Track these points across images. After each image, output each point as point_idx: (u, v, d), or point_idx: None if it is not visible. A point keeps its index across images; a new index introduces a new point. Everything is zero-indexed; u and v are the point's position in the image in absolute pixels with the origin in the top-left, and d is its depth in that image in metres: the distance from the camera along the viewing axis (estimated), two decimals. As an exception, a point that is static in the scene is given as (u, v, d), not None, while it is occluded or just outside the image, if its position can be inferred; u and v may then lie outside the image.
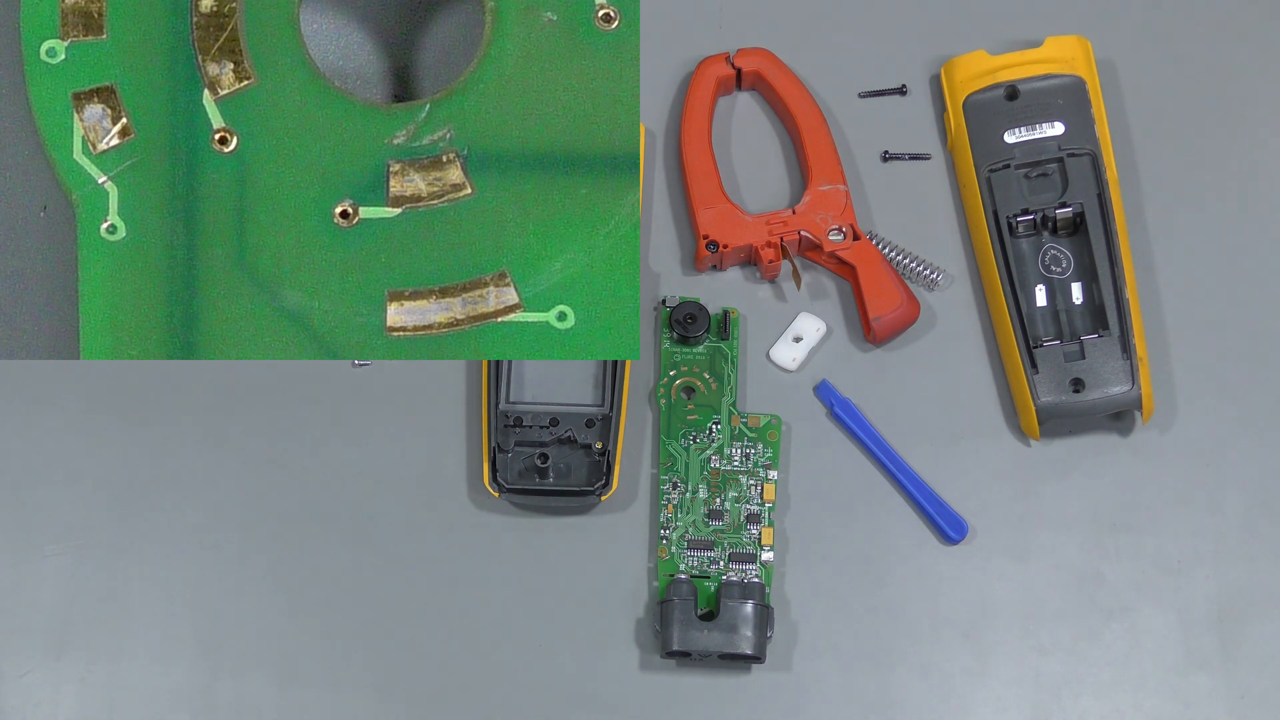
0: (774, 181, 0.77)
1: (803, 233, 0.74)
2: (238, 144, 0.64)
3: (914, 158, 0.78)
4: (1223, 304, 0.75)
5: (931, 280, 0.75)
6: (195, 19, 0.64)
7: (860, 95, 0.78)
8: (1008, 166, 0.75)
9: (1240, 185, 0.77)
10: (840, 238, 0.74)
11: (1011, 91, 0.76)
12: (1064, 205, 0.74)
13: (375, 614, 0.71)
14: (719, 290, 0.75)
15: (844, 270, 0.75)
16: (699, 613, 0.69)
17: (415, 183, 0.64)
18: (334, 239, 0.64)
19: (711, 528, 0.71)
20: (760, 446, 0.72)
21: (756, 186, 0.77)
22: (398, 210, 0.64)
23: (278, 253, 0.64)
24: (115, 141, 0.64)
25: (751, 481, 0.72)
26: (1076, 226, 0.74)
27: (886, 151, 0.77)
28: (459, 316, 0.64)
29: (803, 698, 0.70)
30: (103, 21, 0.64)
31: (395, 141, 0.64)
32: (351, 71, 0.70)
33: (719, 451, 0.72)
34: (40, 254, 0.64)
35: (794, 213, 0.75)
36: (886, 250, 0.75)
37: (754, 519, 0.71)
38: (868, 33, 0.79)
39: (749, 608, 0.69)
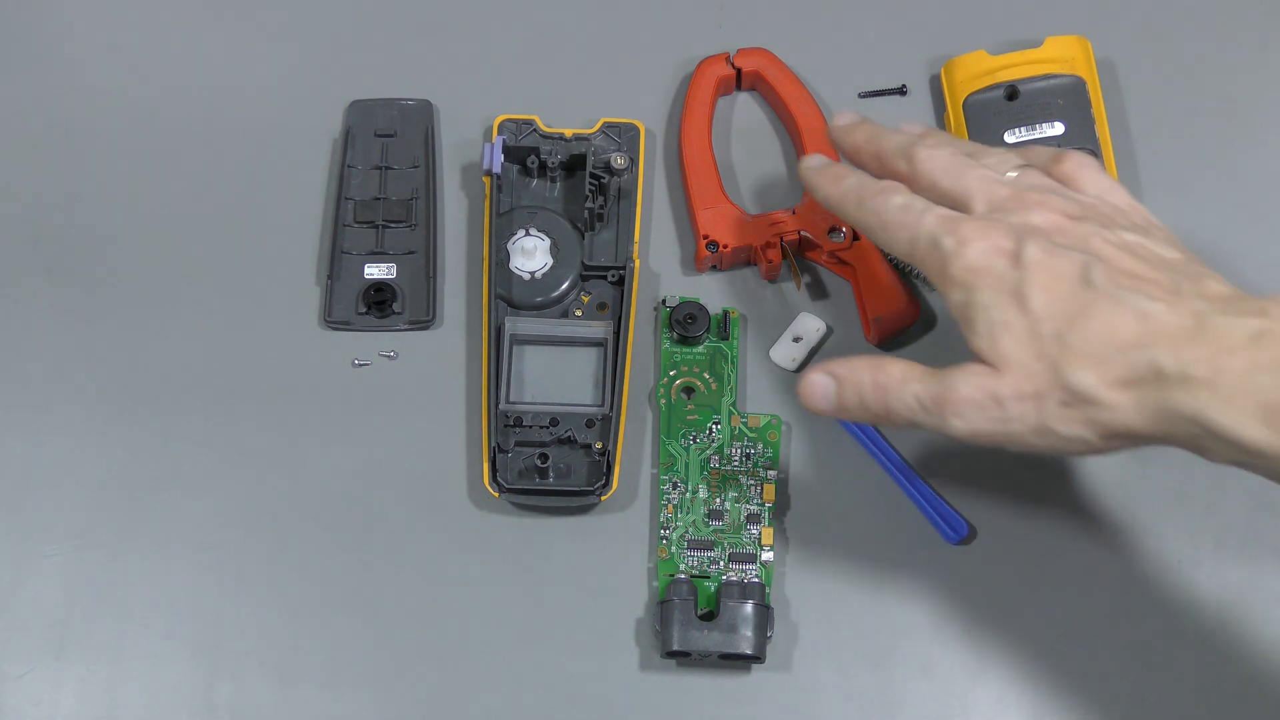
0: (774, 181, 0.77)
1: (803, 233, 0.74)
2: None
3: (914, 158, 0.77)
4: (1223, 304, 0.75)
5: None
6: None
7: (860, 95, 0.78)
8: (1008, 166, 0.75)
9: (1240, 185, 0.77)
10: (840, 238, 0.74)
11: (1011, 91, 0.76)
12: (1064, 205, 0.74)
13: (375, 614, 0.71)
14: (719, 290, 0.75)
15: (844, 270, 0.75)
16: (699, 613, 0.69)
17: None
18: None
19: (711, 528, 0.71)
20: (760, 446, 0.72)
21: (756, 186, 0.77)
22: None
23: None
24: None
25: (751, 481, 0.72)
26: (1076, 226, 0.74)
27: (886, 151, 0.77)
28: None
29: (803, 698, 0.70)
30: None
31: None
32: None
33: (719, 451, 0.72)
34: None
35: (794, 213, 0.75)
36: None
37: (754, 519, 0.71)
38: (868, 33, 0.79)
39: (749, 608, 0.69)
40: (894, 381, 0.61)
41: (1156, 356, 0.55)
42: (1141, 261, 0.59)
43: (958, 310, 0.60)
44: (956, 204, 0.62)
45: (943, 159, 0.64)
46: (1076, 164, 0.64)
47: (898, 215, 0.63)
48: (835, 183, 0.66)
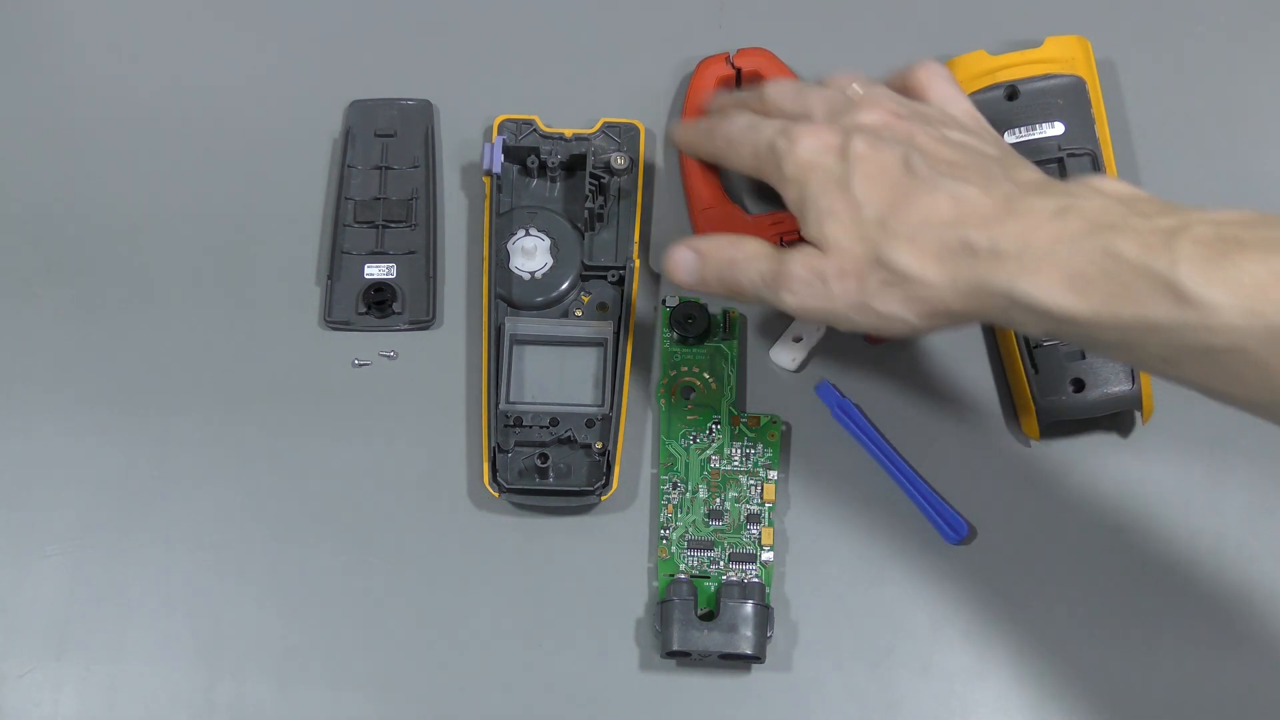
0: (774, 181, 0.77)
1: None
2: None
3: (914, 158, 0.77)
4: (1223, 304, 0.75)
5: (931, 280, 0.75)
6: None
7: (860, 95, 0.78)
8: (1008, 166, 0.75)
9: (1240, 185, 0.77)
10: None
11: (1011, 91, 0.76)
12: (1064, 205, 0.74)
13: (375, 614, 0.71)
14: (719, 290, 0.75)
15: (844, 270, 0.75)
16: (699, 613, 0.69)
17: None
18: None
19: (711, 528, 0.71)
20: (760, 446, 0.72)
21: (756, 186, 0.77)
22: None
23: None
24: None
25: (751, 481, 0.72)
26: (1076, 226, 0.74)
27: (886, 151, 0.77)
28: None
29: (803, 698, 0.70)
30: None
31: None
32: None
33: (719, 451, 0.72)
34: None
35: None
36: (886, 250, 0.75)
37: (754, 519, 0.71)
38: (868, 32, 0.79)
39: (749, 608, 0.69)
40: (746, 257, 0.66)
41: (968, 234, 0.59)
42: (960, 151, 0.63)
43: (794, 206, 0.65)
44: (799, 119, 0.67)
45: (788, 87, 0.70)
46: (929, 73, 0.69)
47: (742, 133, 0.68)
48: (691, 129, 0.73)
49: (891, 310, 0.61)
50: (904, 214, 0.61)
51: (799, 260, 0.63)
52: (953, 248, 0.59)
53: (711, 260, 0.67)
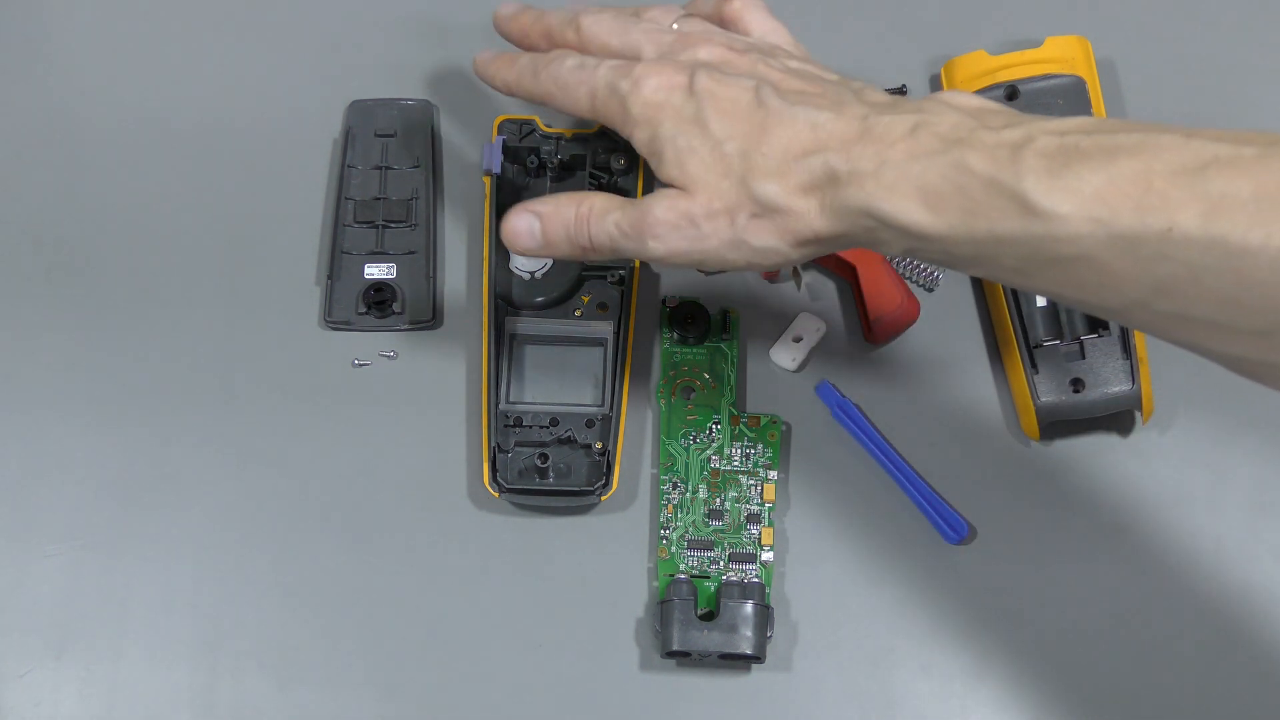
0: (774, 181, 0.77)
1: (803, 233, 0.74)
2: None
3: (914, 158, 0.77)
4: (1223, 304, 0.75)
5: (932, 280, 0.75)
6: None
7: (860, 95, 0.78)
8: (1008, 166, 0.75)
9: (1240, 185, 0.77)
10: (840, 238, 0.74)
11: (1011, 91, 0.76)
12: (1064, 205, 0.74)
13: (375, 614, 0.71)
14: (719, 290, 0.75)
15: (844, 270, 0.75)
16: (699, 613, 0.69)
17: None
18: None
19: (711, 528, 0.71)
20: (760, 446, 0.72)
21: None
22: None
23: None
24: None
25: (751, 481, 0.72)
26: (1076, 226, 0.74)
27: (886, 151, 0.77)
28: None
29: (803, 698, 0.70)
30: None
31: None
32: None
33: (719, 451, 0.72)
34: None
35: (794, 213, 0.75)
36: (886, 250, 0.75)
37: (754, 519, 0.71)
38: (868, 33, 0.79)
39: (749, 608, 0.69)
40: (595, 212, 0.64)
41: (829, 160, 0.59)
42: (805, 80, 0.63)
43: (645, 147, 0.63)
44: (628, 58, 0.66)
45: (607, 21, 0.67)
46: (743, 3, 0.68)
47: (573, 75, 0.65)
48: (509, 66, 0.69)
49: (765, 243, 0.61)
50: (765, 146, 0.61)
51: (662, 204, 0.62)
52: (817, 175, 0.60)
53: (555, 221, 0.65)
